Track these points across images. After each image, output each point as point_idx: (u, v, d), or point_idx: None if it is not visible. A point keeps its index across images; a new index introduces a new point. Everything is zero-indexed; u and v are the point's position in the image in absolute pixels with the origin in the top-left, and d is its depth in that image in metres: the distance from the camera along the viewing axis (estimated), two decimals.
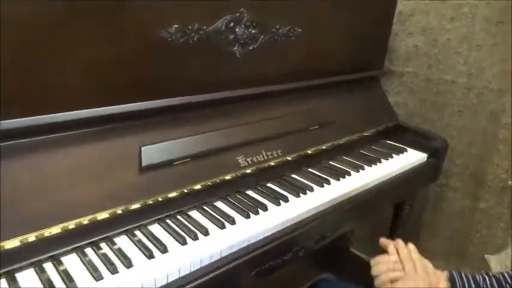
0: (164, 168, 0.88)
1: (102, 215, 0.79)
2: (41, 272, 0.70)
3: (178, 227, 0.86)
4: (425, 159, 1.38)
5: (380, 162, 1.28)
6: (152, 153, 0.86)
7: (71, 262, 0.74)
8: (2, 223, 0.67)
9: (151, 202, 0.85)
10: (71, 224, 0.76)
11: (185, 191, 0.91)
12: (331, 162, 1.24)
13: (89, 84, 0.80)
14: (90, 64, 0.78)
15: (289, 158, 1.12)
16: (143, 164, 0.85)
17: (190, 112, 0.96)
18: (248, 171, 1.02)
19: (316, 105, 1.25)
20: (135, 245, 0.80)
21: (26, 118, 0.72)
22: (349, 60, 1.37)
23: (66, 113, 0.77)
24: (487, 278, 0.85)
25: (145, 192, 0.85)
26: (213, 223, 0.89)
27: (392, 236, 1.57)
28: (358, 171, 1.20)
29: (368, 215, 1.30)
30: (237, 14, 0.97)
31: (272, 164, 1.08)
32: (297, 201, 1.01)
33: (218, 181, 0.96)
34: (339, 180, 1.13)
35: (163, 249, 0.78)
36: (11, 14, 0.66)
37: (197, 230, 0.85)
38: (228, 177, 0.98)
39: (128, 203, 0.82)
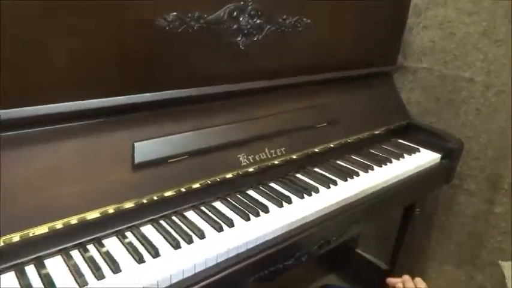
0: (159, 166, 0.83)
1: (92, 215, 0.74)
2: (21, 276, 0.65)
3: (172, 228, 0.81)
4: (438, 160, 1.32)
5: (391, 162, 1.22)
6: (146, 149, 0.81)
7: (55, 265, 0.69)
8: None
9: (145, 201, 0.80)
10: (59, 224, 0.71)
11: (182, 190, 0.85)
12: (338, 162, 1.18)
13: (78, 74, 0.74)
14: (79, 53, 0.73)
15: (294, 157, 1.06)
16: (136, 160, 0.79)
17: (188, 106, 0.90)
18: (250, 170, 0.97)
19: (324, 101, 1.19)
20: (125, 247, 0.74)
21: (6, 110, 0.66)
22: (360, 55, 1.30)
23: (52, 105, 0.71)
24: None
25: (138, 191, 0.80)
26: (209, 225, 0.83)
27: (400, 240, 1.51)
28: (367, 172, 1.14)
29: (376, 219, 1.23)
30: (241, 3, 0.91)
31: (275, 162, 1.02)
32: (300, 203, 0.95)
33: (218, 180, 0.91)
34: (346, 180, 1.07)
35: (155, 253, 0.73)
36: None
37: (192, 232, 0.80)
38: (228, 175, 0.92)
39: (119, 202, 0.77)
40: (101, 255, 0.72)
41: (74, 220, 0.72)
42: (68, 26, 0.70)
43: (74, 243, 0.73)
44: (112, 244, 0.75)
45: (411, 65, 1.59)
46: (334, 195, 1.00)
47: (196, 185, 0.88)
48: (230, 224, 0.83)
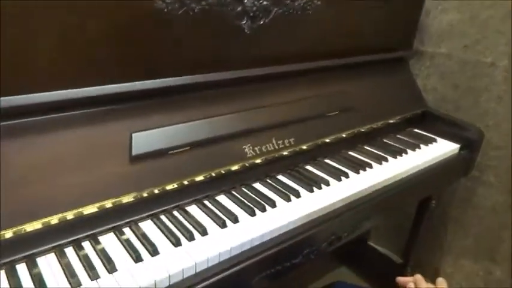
0: (159, 158, 0.78)
1: (89, 209, 0.71)
2: (11, 275, 0.62)
3: (173, 224, 0.76)
4: (457, 151, 1.25)
5: (406, 153, 1.15)
6: (144, 140, 0.77)
7: (47, 264, 0.65)
8: None
9: (145, 195, 0.76)
10: (54, 219, 0.67)
11: (185, 183, 0.81)
12: (350, 153, 1.13)
13: (71, 60, 0.69)
14: (72, 37, 0.68)
15: (303, 147, 1.01)
16: (133, 152, 0.75)
17: (190, 94, 0.85)
18: (256, 161, 0.92)
19: (335, 88, 1.13)
20: (122, 245, 0.70)
21: None
22: (373, 39, 1.24)
23: (45, 93, 0.67)
24: None
25: (138, 185, 0.76)
26: (212, 221, 0.79)
27: (415, 233, 1.45)
28: (381, 164, 1.08)
29: (390, 213, 1.17)
30: None
31: (284, 153, 0.97)
32: (309, 197, 0.90)
33: (223, 172, 0.87)
34: (358, 173, 1.01)
35: (153, 251, 0.69)
36: None
37: (194, 228, 0.75)
38: (233, 167, 0.88)
39: (118, 196, 0.73)
40: (96, 253, 0.68)
41: (70, 215, 0.68)
42: (63, 9, 0.65)
43: (69, 239, 0.70)
44: (108, 241, 0.71)
45: (428, 50, 1.50)
46: (345, 188, 0.94)
47: (200, 178, 0.83)
48: (234, 219, 0.79)
